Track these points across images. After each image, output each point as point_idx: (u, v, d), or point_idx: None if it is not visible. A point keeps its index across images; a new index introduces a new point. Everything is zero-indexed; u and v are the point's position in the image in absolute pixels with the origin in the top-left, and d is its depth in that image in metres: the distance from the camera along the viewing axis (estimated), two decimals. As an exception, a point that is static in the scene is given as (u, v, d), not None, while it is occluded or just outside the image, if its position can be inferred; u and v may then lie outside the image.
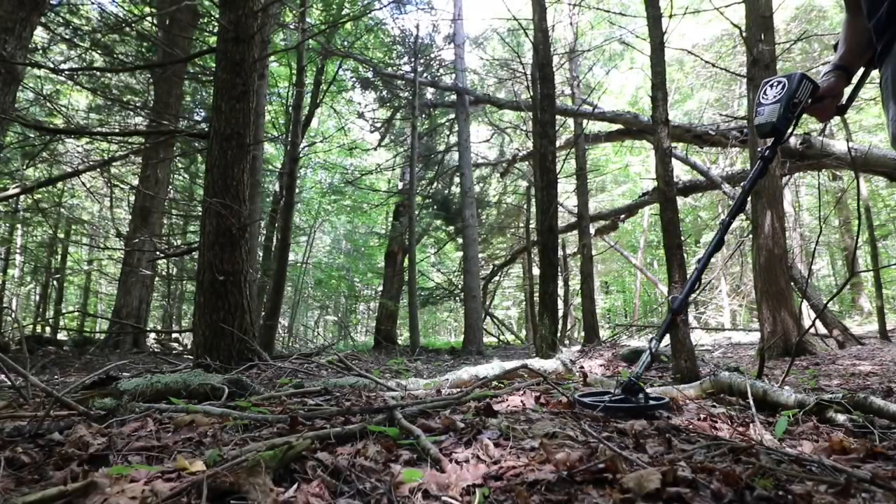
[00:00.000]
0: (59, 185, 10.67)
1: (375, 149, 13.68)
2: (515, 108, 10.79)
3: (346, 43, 10.37)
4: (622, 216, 11.74)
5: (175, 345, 9.09)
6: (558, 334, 4.74)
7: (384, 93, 11.41)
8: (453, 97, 10.99)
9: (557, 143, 8.58)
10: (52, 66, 6.61)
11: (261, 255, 10.13)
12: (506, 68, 11.66)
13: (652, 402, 1.50)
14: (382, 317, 11.67)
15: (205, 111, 9.98)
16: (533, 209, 11.10)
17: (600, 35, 12.14)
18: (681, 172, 10.72)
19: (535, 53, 5.28)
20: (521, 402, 1.52)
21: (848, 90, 1.51)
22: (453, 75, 11.11)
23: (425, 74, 10.96)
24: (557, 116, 7.25)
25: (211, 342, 3.14)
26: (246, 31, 3.42)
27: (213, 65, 4.36)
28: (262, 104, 7.04)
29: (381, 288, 13.48)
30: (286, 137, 8.54)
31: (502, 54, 12.64)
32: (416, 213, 10.37)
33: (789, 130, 1.55)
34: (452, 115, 11.63)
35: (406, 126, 11.95)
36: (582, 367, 3.58)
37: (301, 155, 8.12)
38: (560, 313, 6.93)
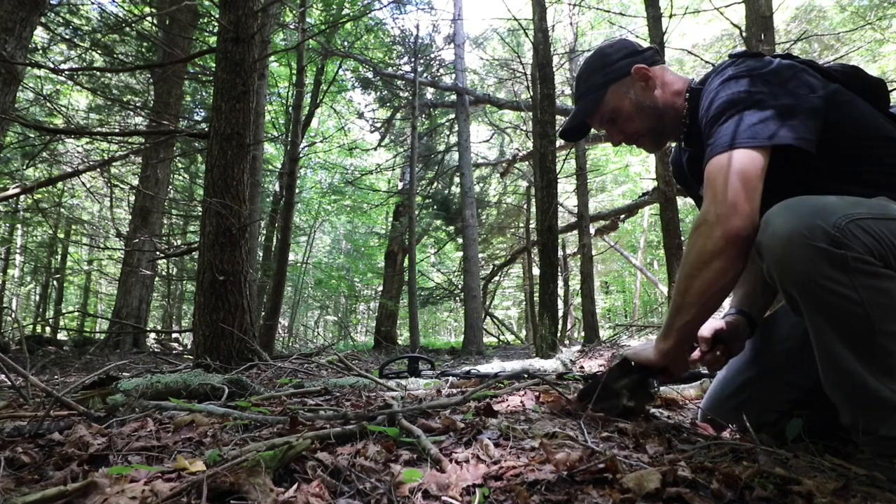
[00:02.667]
0: (59, 185, 10.68)
1: (375, 149, 13.68)
2: (515, 108, 10.79)
3: (346, 43, 10.37)
4: (622, 216, 11.74)
5: (175, 345, 9.09)
6: (558, 334, 4.75)
7: (384, 93, 11.42)
8: (453, 97, 10.99)
9: (557, 143, 8.58)
10: (52, 66, 6.61)
11: (261, 255, 10.14)
12: (506, 68, 11.66)
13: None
14: (382, 317, 11.67)
15: (205, 111, 9.99)
16: (533, 209, 11.10)
17: (600, 35, 12.14)
18: (681, 172, 10.68)
19: (535, 53, 5.28)
20: (521, 402, 1.52)
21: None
22: (453, 75, 11.12)
23: (425, 74, 10.96)
24: (557, 116, 7.25)
25: (211, 342, 3.14)
26: (246, 31, 3.42)
27: (213, 65, 4.36)
28: (262, 104, 7.04)
29: (381, 288, 13.48)
30: (286, 137, 8.54)
31: (502, 54, 12.64)
32: (416, 213, 10.37)
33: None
34: (452, 115, 11.63)
35: (406, 126, 11.96)
36: (582, 367, 3.57)
37: (301, 155, 8.12)
38: (560, 313, 6.93)
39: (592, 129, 1.44)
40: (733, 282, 1.07)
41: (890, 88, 1.27)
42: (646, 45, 1.37)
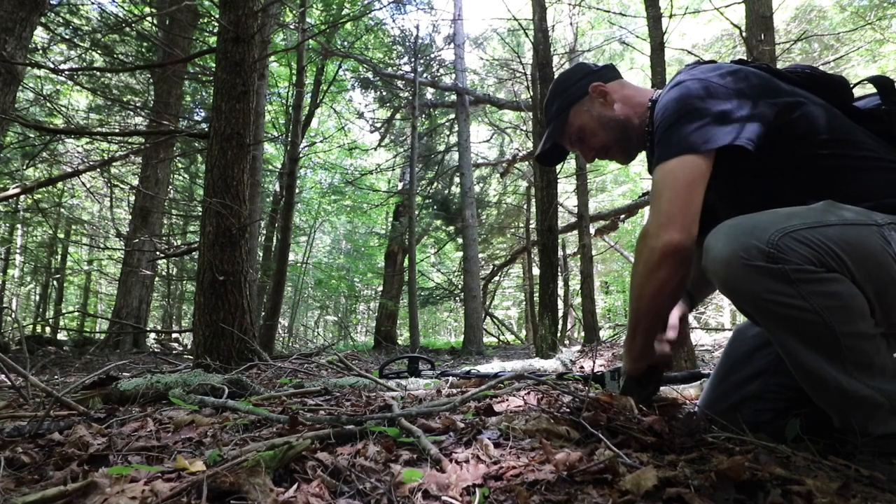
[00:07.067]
0: (59, 185, 10.68)
1: (375, 149, 13.68)
2: (515, 108, 10.79)
3: (346, 43, 10.37)
4: (622, 216, 11.73)
5: (175, 345, 9.09)
6: (558, 334, 4.74)
7: (384, 93, 11.42)
8: (453, 97, 10.98)
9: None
10: (52, 66, 6.61)
11: (261, 255, 10.14)
12: (506, 68, 11.65)
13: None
14: (382, 317, 11.67)
15: (205, 111, 9.99)
16: (533, 209, 11.10)
17: (600, 35, 12.13)
18: (681, 172, 10.67)
19: (535, 53, 5.28)
20: (523, 401, 1.52)
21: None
22: (453, 75, 11.12)
23: (425, 74, 10.96)
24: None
25: (211, 342, 3.14)
26: (246, 31, 3.43)
27: (213, 65, 4.36)
28: (262, 104, 7.05)
29: (381, 288, 13.48)
30: (286, 137, 8.54)
31: (502, 54, 12.63)
32: (416, 213, 10.37)
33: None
34: (452, 115, 11.63)
35: (406, 126, 11.96)
36: (582, 367, 3.57)
37: (301, 155, 8.12)
38: (560, 313, 6.93)
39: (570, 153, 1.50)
40: (680, 286, 1.11)
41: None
42: (601, 64, 1.42)
